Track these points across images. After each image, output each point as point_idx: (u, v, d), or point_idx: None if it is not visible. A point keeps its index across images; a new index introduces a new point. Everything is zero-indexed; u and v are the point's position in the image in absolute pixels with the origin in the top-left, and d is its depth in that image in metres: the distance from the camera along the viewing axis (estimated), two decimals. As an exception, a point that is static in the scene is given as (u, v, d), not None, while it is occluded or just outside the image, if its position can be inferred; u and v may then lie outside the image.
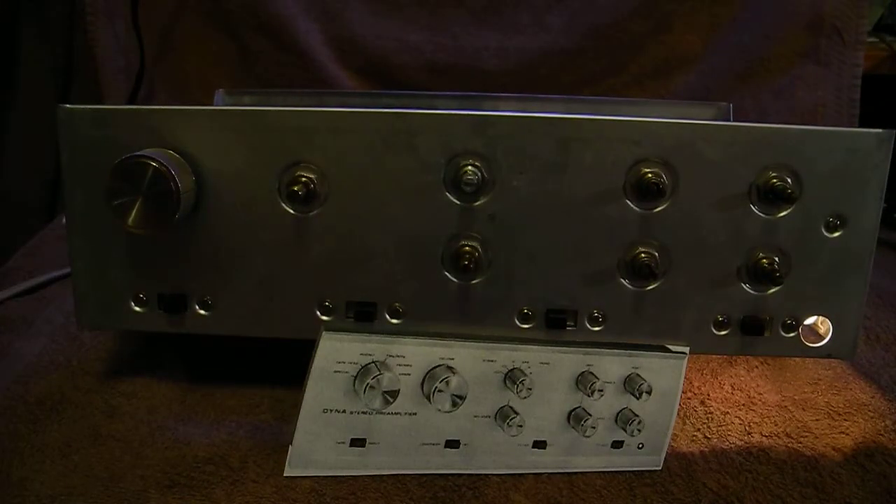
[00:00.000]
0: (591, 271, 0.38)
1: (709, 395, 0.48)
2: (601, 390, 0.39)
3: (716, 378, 0.50)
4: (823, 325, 0.40)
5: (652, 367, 0.40)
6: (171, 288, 0.39)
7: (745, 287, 0.39)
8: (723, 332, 0.40)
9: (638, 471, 0.41)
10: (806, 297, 0.39)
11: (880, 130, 0.37)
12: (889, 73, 0.78)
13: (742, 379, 0.50)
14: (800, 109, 0.72)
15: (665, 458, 0.41)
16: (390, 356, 0.38)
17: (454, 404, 0.38)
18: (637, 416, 0.40)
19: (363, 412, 0.39)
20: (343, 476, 0.39)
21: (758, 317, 0.40)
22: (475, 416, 0.40)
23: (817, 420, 0.46)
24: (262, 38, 0.69)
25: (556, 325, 0.39)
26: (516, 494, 0.39)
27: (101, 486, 0.37)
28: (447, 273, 0.38)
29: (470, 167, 0.36)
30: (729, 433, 0.44)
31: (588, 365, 0.40)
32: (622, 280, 0.39)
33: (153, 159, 0.35)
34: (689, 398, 0.48)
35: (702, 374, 0.50)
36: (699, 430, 0.44)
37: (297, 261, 0.38)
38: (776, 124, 0.37)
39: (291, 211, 0.38)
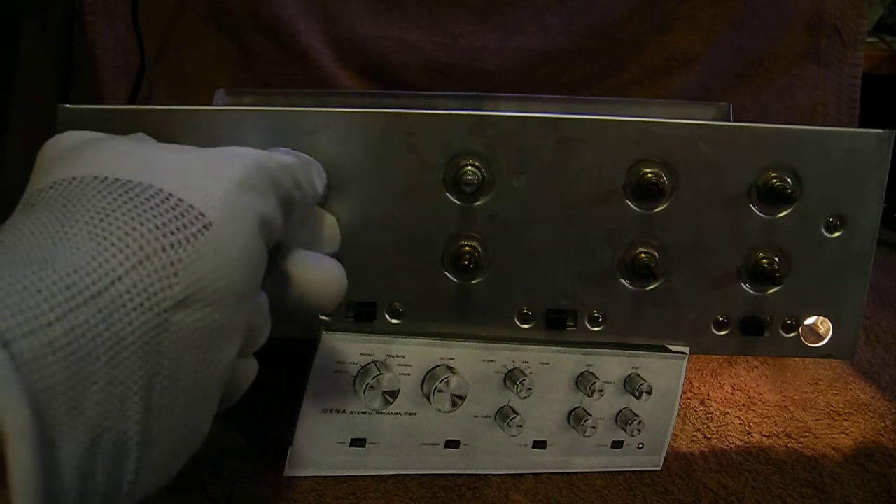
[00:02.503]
0: (591, 271, 0.38)
1: (709, 395, 0.48)
2: (601, 390, 0.39)
3: (716, 378, 0.50)
4: (823, 325, 0.40)
5: (652, 367, 0.40)
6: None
7: (745, 287, 0.39)
8: (723, 332, 0.40)
9: (638, 471, 0.41)
10: (806, 297, 0.39)
11: (880, 130, 0.37)
12: (889, 73, 0.78)
13: (742, 379, 0.50)
14: (800, 109, 0.72)
15: (665, 458, 0.41)
16: (390, 356, 0.38)
17: (454, 404, 0.38)
18: (637, 416, 0.40)
19: (363, 412, 0.39)
20: (343, 476, 0.39)
21: (758, 317, 0.40)
22: (475, 416, 0.40)
23: (817, 420, 0.46)
24: (262, 38, 0.69)
25: (556, 325, 0.39)
26: (516, 494, 0.39)
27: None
28: (447, 273, 0.38)
29: (470, 167, 0.36)
30: (729, 433, 0.44)
31: (588, 365, 0.40)
32: (622, 280, 0.39)
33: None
34: (689, 398, 0.48)
35: (702, 374, 0.51)
36: (699, 430, 0.44)
37: (297, 261, 0.38)
38: (776, 124, 0.37)
39: (291, 211, 0.38)
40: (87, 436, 0.20)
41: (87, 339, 0.20)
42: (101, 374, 0.20)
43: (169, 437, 0.23)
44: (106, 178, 0.24)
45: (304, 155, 0.34)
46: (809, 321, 0.40)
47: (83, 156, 0.26)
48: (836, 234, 0.38)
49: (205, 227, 0.24)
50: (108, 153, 0.26)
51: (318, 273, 0.31)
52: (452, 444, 0.40)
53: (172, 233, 0.23)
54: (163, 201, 0.24)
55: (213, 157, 0.27)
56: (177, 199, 0.24)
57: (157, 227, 0.23)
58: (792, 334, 0.40)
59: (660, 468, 0.41)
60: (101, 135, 0.29)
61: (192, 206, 0.24)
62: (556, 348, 0.39)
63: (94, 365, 0.20)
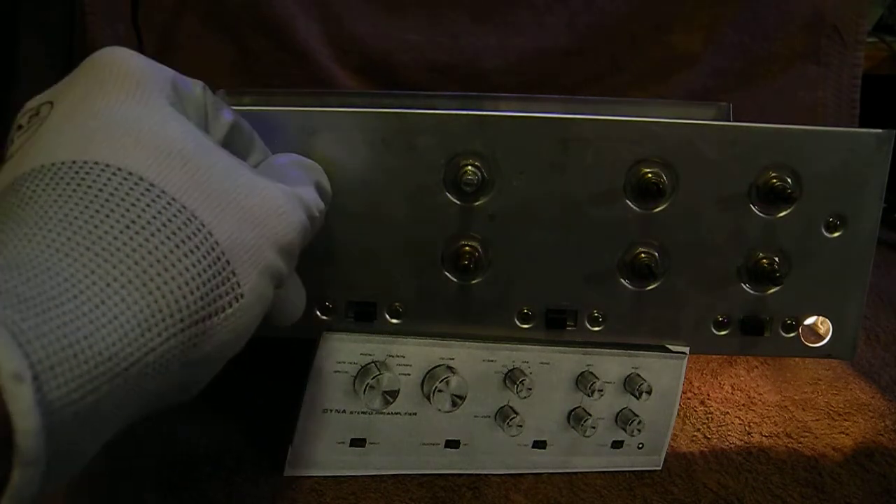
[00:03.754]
0: (591, 271, 0.38)
1: (709, 395, 0.48)
2: (601, 390, 0.39)
3: (716, 378, 0.50)
4: (823, 325, 0.40)
5: (652, 367, 0.40)
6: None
7: (745, 287, 0.39)
8: (723, 332, 0.40)
9: (638, 471, 0.41)
10: (806, 297, 0.39)
11: (880, 130, 0.37)
12: (889, 73, 0.78)
13: (742, 379, 0.50)
14: (800, 109, 0.72)
15: (665, 458, 0.41)
16: (390, 356, 0.38)
17: (454, 404, 0.38)
18: (637, 416, 0.40)
19: (363, 412, 0.39)
20: (343, 476, 0.39)
21: (758, 317, 0.40)
22: (475, 416, 0.40)
23: (817, 420, 0.46)
24: (262, 38, 0.69)
25: (556, 325, 0.39)
26: (516, 494, 0.39)
27: (98, 487, 0.37)
28: (447, 273, 0.38)
29: (470, 167, 0.36)
30: (729, 433, 0.44)
31: (588, 365, 0.40)
32: (622, 280, 0.39)
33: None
34: (689, 398, 0.48)
35: (702, 374, 0.51)
36: (699, 430, 0.44)
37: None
38: (776, 124, 0.37)
39: (291, 211, 0.38)
40: (65, 477, 0.20)
41: (106, 407, 0.20)
42: (99, 429, 0.20)
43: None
44: (163, 193, 0.23)
45: (325, 181, 0.34)
46: (809, 321, 0.40)
47: (145, 132, 0.23)
48: (836, 234, 0.38)
49: (236, 298, 0.24)
50: (166, 144, 0.24)
51: (295, 297, 0.31)
52: (452, 444, 0.40)
53: (210, 304, 0.23)
54: (215, 261, 0.23)
55: (268, 202, 0.25)
56: (225, 260, 0.23)
57: (202, 297, 0.22)
58: (792, 334, 0.40)
59: (660, 468, 0.41)
60: (165, 79, 0.26)
61: (234, 273, 0.24)
62: (556, 348, 0.39)
63: (103, 425, 0.20)
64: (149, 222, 0.22)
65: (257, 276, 0.25)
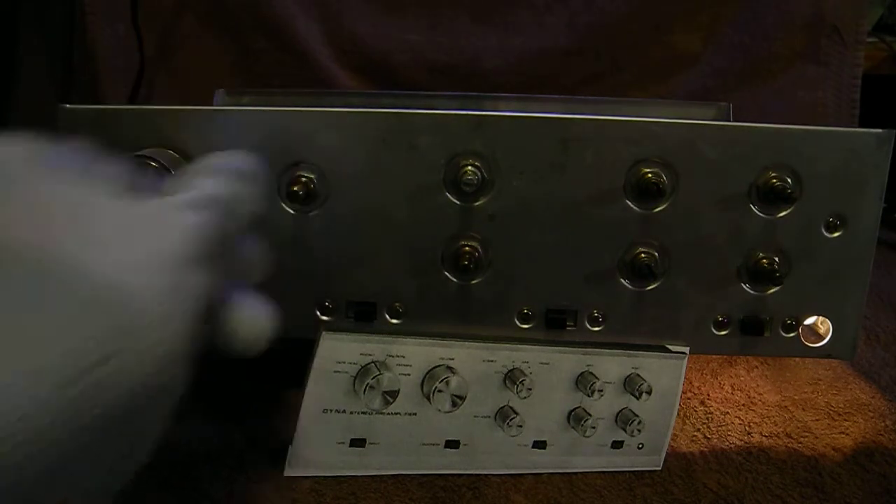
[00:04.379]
0: (591, 271, 0.38)
1: (709, 395, 0.48)
2: (601, 390, 0.39)
3: (716, 378, 0.50)
4: (823, 325, 0.40)
5: (652, 367, 0.40)
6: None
7: (745, 287, 0.39)
8: (723, 332, 0.40)
9: (638, 471, 0.41)
10: (806, 297, 0.39)
11: (880, 130, 0.37)
12: (889, 73, 0.78)
13: (742, 379, 0.50)
14: (800, 109, 0.72)
15: (665, 458, 0.41)
16: (390, 356, 0.38)
17: (454, 404, 0.38)
18: (637, 416, 0.40)
19: (363, 412, 0.39)
20: (343, 476, 0.39)
21: (758, 317, 0.40)
22: (475, 416, 0.40)
23: (817, 420, 0.46)
24: (262, 38, 0.69)
25: (556, 325, 0.39)
26: (516, 494, 0.39)
27: (101, 486, 0.37)
28: (447, 273, 0.38)
29: (470, 167, 0.36)
30: (729, 433, 0.44)
31: (588, 365, 0.40)
32: (622, 280, 0.39)
33: (153, 159, 0.35)
34: (689, 398, 0.48)
35: (702, 374, 0.51)
36: (699, 430, 0.44)
37: (297, 261, 0.38)
38: (776, 124, 0.37)
39: (291, 211, 0.38)
40: None
41: None
42: None
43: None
44: (41, 259, 0.20)
45: (245, 164, 0.29)
46: (809, 321, 0.40)
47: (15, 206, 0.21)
48: (836, 234, 0.38)
49: (140, 328, 0.21)
50: (43, 210, 0.21)
51: (251, 315, 0.28)
52: (452, 444, 0.40)
53: (106, 343, 0.20)
54: (103, 301, 0.20)
55: (157, 224, 0.23)
56: (117, 290, 0.21)
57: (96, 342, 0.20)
58: (792, 334, 0.40)
59: (660, 468, 0.41)
60: (31, 151, 0.23)
61: (133, 296, 0.21)
62: (556, 348, 0.39)
63: None
64: (13, 276, 0.19)
65: (166, 298, 0.22)
